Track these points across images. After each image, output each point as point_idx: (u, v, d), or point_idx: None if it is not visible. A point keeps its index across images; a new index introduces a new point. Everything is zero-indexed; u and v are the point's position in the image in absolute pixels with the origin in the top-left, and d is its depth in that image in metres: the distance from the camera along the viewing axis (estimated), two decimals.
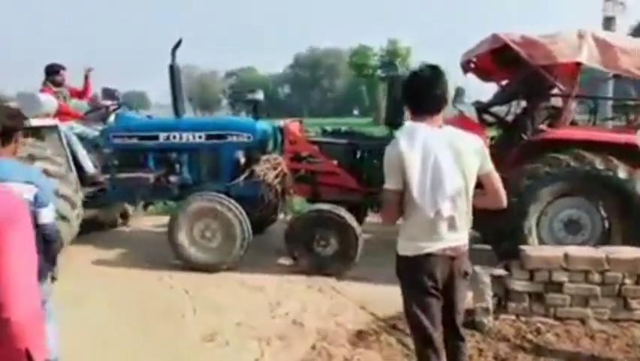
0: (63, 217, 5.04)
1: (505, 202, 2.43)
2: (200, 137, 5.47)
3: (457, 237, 2.32)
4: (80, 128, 5.93)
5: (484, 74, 5.88)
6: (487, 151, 2.33)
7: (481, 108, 5.29)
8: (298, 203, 5.81)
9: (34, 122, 5.29)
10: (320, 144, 5.33)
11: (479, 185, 2.36)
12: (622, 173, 4.38)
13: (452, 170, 2.22)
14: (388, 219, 2.38)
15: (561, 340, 3.61)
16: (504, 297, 3.84)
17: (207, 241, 5.10)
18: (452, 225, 2.28)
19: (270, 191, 5.13)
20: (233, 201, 5.04)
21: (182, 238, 5.08)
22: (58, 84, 6.06)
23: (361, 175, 5.26)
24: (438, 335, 2.35)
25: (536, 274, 3.77)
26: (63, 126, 5.67)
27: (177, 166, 5.68)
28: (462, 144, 2.27)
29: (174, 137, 5.50)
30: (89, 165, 5.75)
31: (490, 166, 2.35)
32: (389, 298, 4.37)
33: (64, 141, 5.60)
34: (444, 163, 2.21)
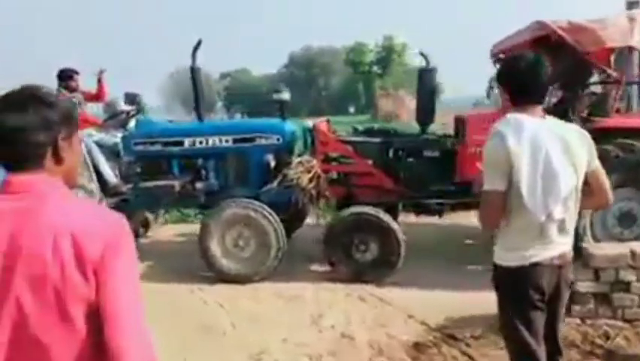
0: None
1: (612, 202, 2.23)
2: (227, 140, 5.24)
3: (566, 242, 2.13)
4: (98, 135, 5.70)
5: None
6: (593, 144, 2.13)
7: None
8: (328, 206, 5.60)
9: None
10: (353, 143, 5.11)
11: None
12: None
13: (564, 166, 2.01)
14: (491, 224, 2.15)
15: (632, 344, 3.43)
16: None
17: (240, 250, 4.90)
18: (562, 228, 2.08)
19: (304, 195, 4.91)
20: (266, 207, 4.83)
21: (214, 247, 4.87)
22: (73, 89, 5.83)
23: (397, 175, 5.05)
24: (541, 352, 2.15)
25: (601, 274, 3.58)
26: (81, 134, 5.43)
27: (203, 172, 5.45)
28: (570, 137, 2.06)
29: (200, 142, 5.27)
30: (111, 175, 5.51)
31: (597, 161, 2.15)
32: (436, 304, 4.23)
33: (84, 150, 5.35)
34: (555, 159, 1.99)
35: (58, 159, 1.24)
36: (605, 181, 2.18)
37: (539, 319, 2.13)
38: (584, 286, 3.59)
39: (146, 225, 6.66)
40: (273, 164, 5.18)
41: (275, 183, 4.96)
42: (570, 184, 2.02)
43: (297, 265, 5.23)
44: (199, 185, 5.37)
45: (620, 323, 3.58)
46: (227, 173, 5.36)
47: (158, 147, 5.33)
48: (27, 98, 1.22)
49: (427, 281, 4.71)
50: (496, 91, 5.53)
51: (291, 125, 5.35)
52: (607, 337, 3.48)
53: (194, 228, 6.99)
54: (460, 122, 5.25)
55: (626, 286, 3.57)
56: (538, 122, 2.05)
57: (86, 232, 1.15)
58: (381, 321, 4.06)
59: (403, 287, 4.64)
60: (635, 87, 6.18)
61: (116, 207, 5.39)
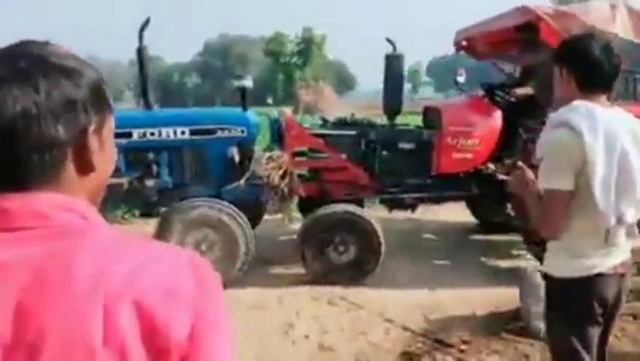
0: None
1: None
2: (183, 132, 4.66)
3: (629, 247, 1.94)
4: None
5: (488, 52, 5.57)
6: None
7: (493, 89, 4.95)
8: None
9: None
10: (325, 136, 4.73)
11: None
12: None
13: (638, 164, 1.80)
14: (555, 229, 1.86)
15: (621, 341, 3.37)
16: None
17: (202, 255, 4.37)
18: (630, 233, 1.89)
19: (275, 194, 4.49)
20: (235, 209, 4.36)
21: None
22: None
23: (372, 169, 4.74)
24: None
25: None
26: None
27: (154, 168, 4.82)
28: (638, 129, 1.86)
29: (151, 133, 4.65)
30: None
31: None
32: (411, 304, 4.02)
33: None
34: (631, 156, 1.78)
35: (85, 166, 0.73)
36: None
37: (597, 335, 1.93)
38: None
39: None
40: (237, 159, 4.68)
41: (242, 181, 4.48)
42: None
43: (253, 269, 4.77)
44: (149, 182, 4.73)
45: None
46: (183, 169, 4.78)
47: None
48: (32, 62, 0.70)
49: (398, 280, 4.52)
50: (460, 79, 5.37)
51: (254, 116, 4.87)
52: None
53: (131, 229, 6.37)
54: (431, 113, 5.05)
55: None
56: (610, 113, 1.83)
57: (163, 295, 0.67)
58: (358, 328, 3.76)
59: (373, 288, 4.38)
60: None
61: None
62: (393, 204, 4.86)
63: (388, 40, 5.12)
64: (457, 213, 6.21)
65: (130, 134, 4.64)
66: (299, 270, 4.65)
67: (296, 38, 57.87)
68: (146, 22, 4.66)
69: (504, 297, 3.97)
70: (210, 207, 4.34)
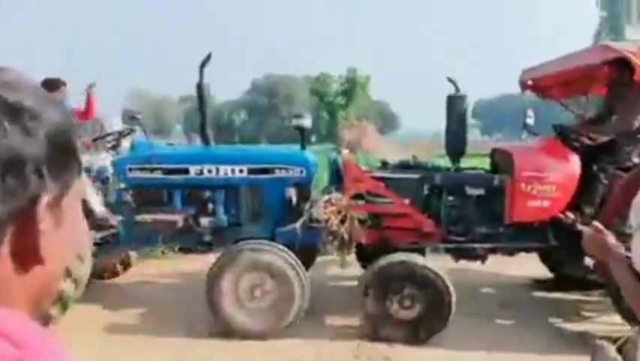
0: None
1: None
2: (241, 171, 4.53)
3: None
4: (84, 157, 4.87)
5: (559, 92, 5.28)
6: None
7: (567, 131, 4.62)
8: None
9: None
10: (387, 180, 4.49)
11: None
12: None
13: None
14: None
15: None
16: None
17: (256, 302, 4.16)
18: None
19: (333, 239, 4.25)
20: (291, 254, 4.14)
21: (225, 296, 4.12)
22: None
23: (438, 216, 4.44)
24: None
25: None
26: None
27: (210, 206, 4.70)
28: None
29: (209, 170, 4.53)
30: (98, 204, 4.68)
31: None
32: None
33: None
34: None
35: (28, 255, 0.50)
36: None
37: None
38: None
39: (126, 263, 5.75)
40: (294, 200, 4.49)
41: (298, 224, 4.27)
42: None
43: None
44: (204, 220, 4.61)
45: None
46: (239, 208, 4.63)
47: (158, 175, 4.55)
48: None
49: (450, 341, 4.08)
50: (529, 121, 5.08)
51: (313, 156, 4.70)
52: None
53: (178, 265, 6.23)
54: (500, 156, 4.75)
55: None
56: None
57: None
58: None
59: (422, 348, 4.02)
60: None
61: (102, 244, 4.58)
62: (460, 254, 4.53)
63: (450, 80, 4.90)
64: (524, 265, 5.75)
65: (187, 171, 4.54)
66: (345, 321, 4.36)
67: (340, 78, 58.64)
68: (207, 58, 4.62)
69: None
70: (263, 251, 4.13)
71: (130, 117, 4.79)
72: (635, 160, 4.32)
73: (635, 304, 1.51)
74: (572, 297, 5.18)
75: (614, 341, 2.98)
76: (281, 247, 4.19)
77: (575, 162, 4.30)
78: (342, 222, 4.22)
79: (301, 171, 4.51)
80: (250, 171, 4.52)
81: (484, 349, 4.00)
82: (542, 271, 5.63)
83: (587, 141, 4.55)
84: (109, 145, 5.02)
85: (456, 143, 4.77)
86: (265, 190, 4.55)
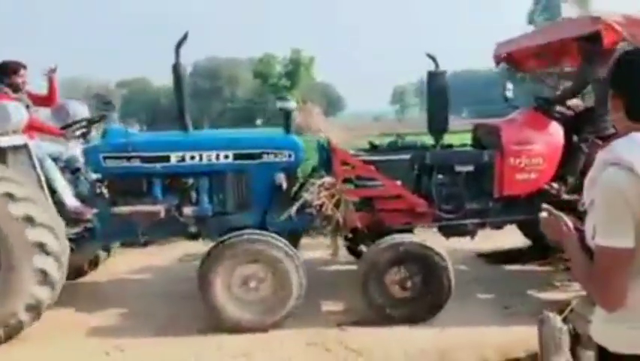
0: (49, 253, 3.74)
1: None
2: (226, 156, 4.32)
3: None
4: (52, 147, 4.49)
5: (534, 65, 5.37)
6: None
7: (551, 103, 4.69)
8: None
9: (2, 141, 3.88)
10: (377, 162, 4.42)
11: None
12: None
13: None
14: (617, 298, 1.41)
15: None
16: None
17: (253, 293, 4.01)
18: None
19: (328, 224, 4.16)
20: (285, 242, 4.01)
21: (219, 291, 3.95)
22: (17, 88, 4.54)
23: (429, 195, 4.41)
24: None
25: None
26: (32, 145, 4.22)
27: (193, 194, 4.47)
28: None
29: (192, 157, 4.30)
30: (71, 198, 4.35)
31: None
32: (416, 350, 3.60)
33: (36, 167, 4.16)
34: None
35: None
36: None
37: None
38: None
39: (94, 261, 5.38)
40: (284, 185, 4.34)
41: (294, 209, 4.14)
42: None
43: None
44: (187, 210, 4.38)
45: None
46: (225, 196, 4.42)
47: (136, 163, 4.27)
48: None
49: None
50: (509, 94, 5.12)
51: (301, 140, 4.55)
52: None
53: (153, 259, 5.96)
54: (484, 131, 4.79)
55: None
56: None
57: None
58: None
59: (377, 328, 3.98)
60: None
61: (78, 239, 4.29)
62: (451, 232, 4.53)
63: (430, 57, 4.83)
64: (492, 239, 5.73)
65: (168, 158, 4.29)
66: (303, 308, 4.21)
67: (284, 60, 58.08)
68: (184, 38, 4.35)
69: (519, 338, 3.52)
70: (255, 241, 3.98)
71: (104, 103, 4.46)
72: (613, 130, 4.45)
73: (581, 277, 1.53)
74: (541, 269, 5.32)
75: (561, 311, 3.02)
76: (275, 236, 4.05)
77: (558, 133, 4.39)
78: (337, 206, 4.12)
79: (290, 155, 4.35)
80: (236, 157, 4.33)
81: (438, 326, 3.98)
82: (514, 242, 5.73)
83: (567, 112, 4.65)
84: (78, 133, 4.65)
85: (438, 120, 4.72)
86: (252, 176, 4.36)
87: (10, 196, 3.67)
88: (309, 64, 55.74)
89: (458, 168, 4.42)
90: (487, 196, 4.42)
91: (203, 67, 61.45)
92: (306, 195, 4.15)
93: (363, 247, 5.20)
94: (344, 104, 62.98)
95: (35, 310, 3.80)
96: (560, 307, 3.23)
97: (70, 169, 4.60)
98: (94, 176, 4.57)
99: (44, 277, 3.76)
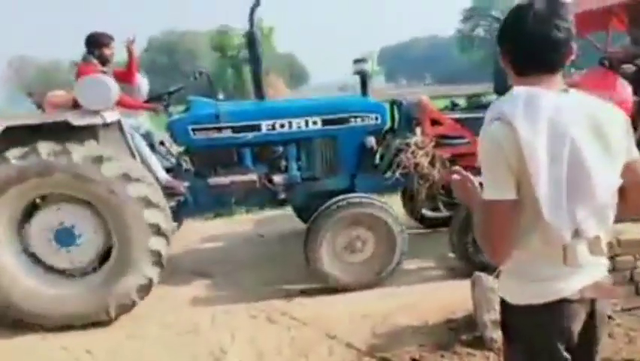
0: (162, 234, 3.75)
1: None
2: (315, 123, 4.36)
3: (600, 265, 1.53)
4: (130, 121, 4.40)
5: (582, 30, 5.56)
6: (630, 126, 1.51)
7: (618, 62, 4.89)
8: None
9: (107, 117, 3.80)
10: (464, 121, 4.55)
11: None
12: None
13: (600, 160, 1.39)
14: (501, 250, 1.46)
15: None
16: None
17: (356, 255, 4.13)
18: (596, 248, 1.47)
19: (425, 182, 4.28)
20: (389, 205, 4.13)
21: (323, 256, 4.04)
22: (105, 61, 4.39)
23: None
24: None
25: None
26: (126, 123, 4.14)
27: (282, 162, 4.51)
28: (605, 117, 1.44)
29: (281, 125, 4.32)
30: (162, 173, 4.31)
31: (636, 150, 1.51)
32: (358, 317, 3.61)
33: (130, 142, 4.09)
34: (587, 150, 1.38)
35: None
36: None
37: None
38: None
39: None
40: (375, 148, 4.43)
41: (395, 172, 4.24)
42: (609, 185, 1.42)
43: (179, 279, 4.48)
44: (277, 177, 4.42)
45: None
46: (314, 162, 4.48)
47: (227, 134, 4.27)
48: None
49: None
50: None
51: (383, 103, 4.63)
52: None
53: (221, 226, 5.96)
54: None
55: None
56: (559, 99, 1.42)
57: None
58: (299, 348, 3.35)
59: (319, 296, 4.05)
60: None
61: (172, 213, 4.28)
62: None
63: (495, 18, 4.98)
64: None
65: (259, 127, 4.30)
66: (246, 282, 4.35)
67: (243, 31, 56.82)
68: (257, 3, 4.31)
69: (461, 299, 3.49)
70: (363, 206, 4.07)
71: (199, 72, 4.39)
72: None
73: (476, 233, 1.54)
74: None
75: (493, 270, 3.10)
76: (376, 197, 4.16)
77: (628, 90, 4.62)
78: (432, 164, 4.25)
79: (376, 118, 4.43)
80: (325, 122, 4.38)
81: (376, 293, 4.03)
82: None
83: (632, 70, 4.89)
84: (165, 105, 4.56)
85: (503, 80, 4.90)
86: (341, 141, 4.43)
87: (126, 177, 3.63)
88: (268, 34, 54.76)
89: None
90: None
91: (160, 41, 59.55)
92: (402, 156, 4.25)
93: (427, 212, 5.39)
94: (308, 76, 62.46)
95: (146, 289, 3.81)
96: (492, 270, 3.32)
97: (149, 143, 4.53)
98: (178, 149, 4.53)
99: (158, 258, 3.76)
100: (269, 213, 6.31)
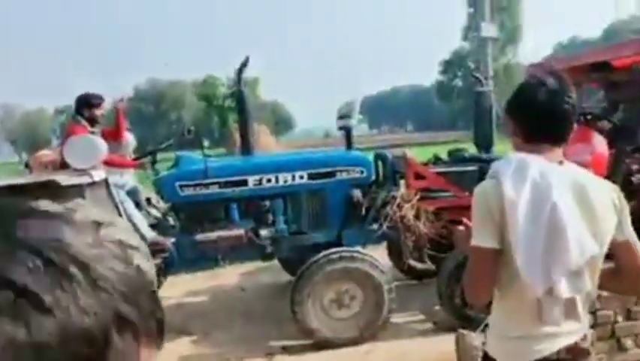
0: None
1: None
2: (301, 177, 4.42)
3: (576, 330, 1.57)
4: (131, 182, 4.42)
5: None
6: (627, 208, 1.60)
7: (594, 117, 5.08)
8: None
9: (95, 175, 3.81)
10: (447, 174, 4.65)
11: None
12: None
13: (580, 227, 1.48)
14: (479, 294, 1.58)
15: None
16: None
17: (343, 310, 4.12)
18: (571, 311, 1.53)
19: (411, 235, 4.32)
20: (373, 256, 4.15)
21: (310, 310, 4.03)
22: (95, 122, 4.43)
23: None
24: None
25: None
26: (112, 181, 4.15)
27: (269, 216, 4.52)
28: (594, 191, 1.53)
29: (268, 180, 4.37)
30: (148, 230, 4.29)
31: (630, 230, 1.58)
32: None
33: (117, 201, 4.09)
34: (567, 215, 1.46)
35: None
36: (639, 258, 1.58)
37: None
38: None
39: None
40: (361, 201, 4.48)
41: (385, 223, 4.29)
42: (586, 252, 1.47)
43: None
44: (264, 232, 4.43)
45: None
46: (300, 215, 4.51)
47: (215, 189, 4.29)
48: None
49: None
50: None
51: (368, 156, 4.72)
52: None
53: (203, 280, 5.89)
54: None
55: None
56: (551, 167, 1.53)
57: None
58: None
59: (298, 354, 4.00)
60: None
61: (160, 269, 4.24)
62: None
63: (475, 77, 5.21)
64: None
65: (245, 182, 4.34)
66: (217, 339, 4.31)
67: (228, 80, 57.92)
68: (245, 63, 4.46)
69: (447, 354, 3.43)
70: (348, 260, 4.09)
71: (188, 130, 4.46)
72: None
73: (464, 285, 1.67)
74: None
75: (476, 328, 3.16)
76: (362, 251, 4.19)
77: (603, 144, 4.77)
78: (417, 217, 4.30)
79: (362, 172, 4.51)
80: (311, 176, 4.43)
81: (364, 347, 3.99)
82: None
83: (609, 126, 5.07)
84: (152, 162, 4.60)
85: (485, 136, 5.09)
86: (327, 194, 4.48)
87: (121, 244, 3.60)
88: (254, 84, 55.73)
89: None
90: None
91: (145, 91, 60.17)
92: (388, 208, 4.30)
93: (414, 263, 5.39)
94: (294, 123, 63.22)
95: None
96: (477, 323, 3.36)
97: (135, 200, 4.53)
98: (165, 205, 4.54)
99: None
100: (251, 265, 6.21)
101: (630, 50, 4.61)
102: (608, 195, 1.56)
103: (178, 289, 5.56)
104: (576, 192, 1.50)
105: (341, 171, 4.47)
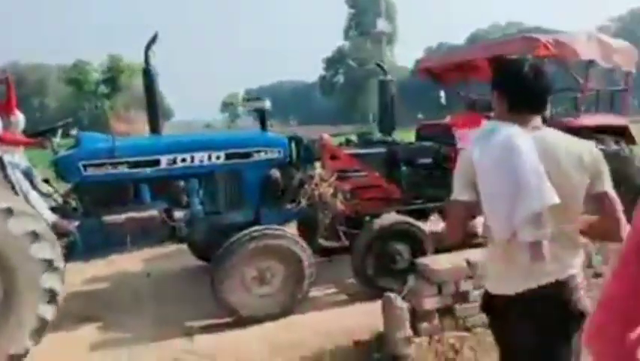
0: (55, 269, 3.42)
1: (624, 235, 2.02)
2: (218, 157, 4.30)
3: (550, 270, 1.74)
4: (24, 161, 3.95)
5: (450, 79, 6.20)
6: (603, 164, 1.79)
7: (485, 105, 5.49)
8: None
9: None
10: (361, 156, 4.80)
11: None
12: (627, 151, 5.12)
13: (540, 180, 1.66)
14: (451, 236, 1.89)
15: (478, 353, 3.26)
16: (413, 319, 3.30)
17: (265, 286, 4.11)
18: (537, 254, 1.70)
19: (329, 213, 4.41)
20: (294, 234, 4.20)
21: (232, 288, 3.99)
22: None
23: (400, 184, 4.94)
24: None
25: (444, 288, 3.40)
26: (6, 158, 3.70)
27: (183, 197, 4.33)
28: (562, 149, 1.75)
29: (183, 160, 4.19)
30: (47, 212, 3.90)
31: (605, 185, 1.78)
32: (270, 345, 3.64)
33: (14, 180, 3.66)
34: (529, 169, 1.66)
35: None
36: (616, 208, 1.76)
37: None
38: (430, 302, 3.38)
39: None
40: (280, 181, 4.47)
41: (304, 202, 4.33)
42: (545, 201, 1.65)
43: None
44: (178, 214, 4.25)
45: (463, 334, 3.41)
46: (216, 196, 4.39)
47: (123, 169, 4.02)
48: None
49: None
50: (442, 101, 5.93)
51: (284, 138, 4.71)
52: (455, 350, 3.30)
53: (103, 267, 5.48)
54: (433, 131, 5.49)
55: (465, 297, 3.44)
56: (519, 131, 1.74)
57: None
58: None
59: (219, 332, 3.96)
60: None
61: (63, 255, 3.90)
62: (416, 215, 5.06)
63: (379, 66, 5.47)
64: None
65: (158, 162, 4.12)
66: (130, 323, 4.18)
67: (101, 66, 54.24)
68: (153, 39, 4.24)
69: (368, 322, 3.59)
70: (272, 236, 4.08)
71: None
72: None
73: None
74: None
75: (400, 292, 3.42)
76: (285, 229, 4.20)
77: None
78: (334, 196, 4.41)
79: (279, 152, 4.50)
80: (228, 156, 4.33)
81: (285, 321, 4.07)
82: None
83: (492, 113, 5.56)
84: (53, 140, 4.15)
85: (387, 122, 5.39)
86: (244, 175, 4.41)
87: (9, 212, 3.23)
88: (130, 73, 52.72)
89: (421, 161, 5.03)
90: (444, 184, 5.08)
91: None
92: (306, 187, 4.35)
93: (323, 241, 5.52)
94: (171, 113, 60.72)
95: (40, 332, 3.40)
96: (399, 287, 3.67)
97: (30, 180, 4.09)
98: (64, 187, 4.16)
99: (52, 296, 3.38)
100: (154, 250, 5.80)
101: (516, 46, 5.09)
102: (577, 153, 1.75)
103: (75, 276, 5.10)
104: (543, 150, 1.71)
105: (259, 151, 4.43)
